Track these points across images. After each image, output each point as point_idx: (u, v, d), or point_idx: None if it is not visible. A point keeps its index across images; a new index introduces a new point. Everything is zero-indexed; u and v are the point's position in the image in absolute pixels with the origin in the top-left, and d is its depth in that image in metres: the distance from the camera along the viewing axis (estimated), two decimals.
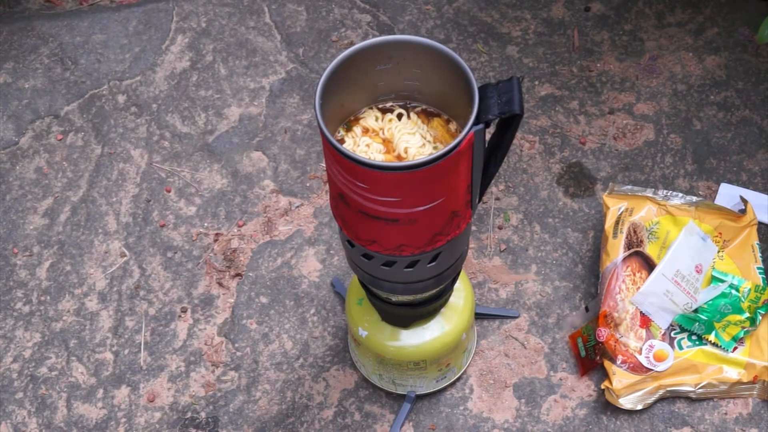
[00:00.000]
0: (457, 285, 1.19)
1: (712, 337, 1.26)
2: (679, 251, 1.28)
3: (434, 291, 1.10)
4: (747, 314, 1.27)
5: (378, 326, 1.19)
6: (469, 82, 0.88)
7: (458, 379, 1.31)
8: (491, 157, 0.94)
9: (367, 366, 1.26)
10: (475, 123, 0.87)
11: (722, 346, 1.26)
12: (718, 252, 1.33)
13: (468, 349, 1.28)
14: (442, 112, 0.97)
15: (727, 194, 1.43)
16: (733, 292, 1.28)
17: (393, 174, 0.86)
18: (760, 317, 1.27)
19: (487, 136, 0.94)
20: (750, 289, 1.28)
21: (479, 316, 1.35)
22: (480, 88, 0.87)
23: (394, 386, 1.27)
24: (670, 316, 1.27)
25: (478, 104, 0.86)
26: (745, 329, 1.26)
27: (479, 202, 0.99)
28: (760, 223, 1.39)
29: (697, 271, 1.28)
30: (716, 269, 1.30)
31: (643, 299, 1.26)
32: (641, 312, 1.27)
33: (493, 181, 1.46)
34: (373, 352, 1.21)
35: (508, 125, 0.91)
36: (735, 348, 1.26)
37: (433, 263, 1.00)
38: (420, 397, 1.30)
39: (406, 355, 1.20)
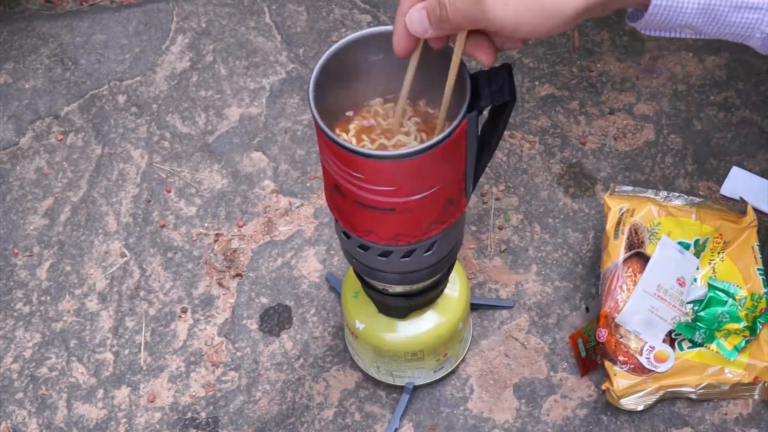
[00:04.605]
0: (452, 275, 1.19)
1: (713, 347, 1.26)
2: (657, 266, 1.28)
3: (430, 281, 1.10)
4: (745, 323, 1.27)
5: (374, 318, 1.20)
6: (461, 70, 0.88)
7: (458, 378, 1.31)
8: (484, 144, 0.95)
9: (365, 359, 1.27)
10: (468, 110, 0.87)
11: (725, 356, 1.26)
12: (719, 253, 1.33)
13: (464, 338, 1.29)
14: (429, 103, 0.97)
15: (737, 179, 1.44)
16: (730, 300, 1.28)
17: (388, 162, 0.86)
18: (761, 327, 1.27)
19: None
20: (746, 298, 1.28)
21: (474, 307, 1.35)
22: (471, 76, 0.88)
23: (392, 378, 1.27)
24: (661, 332, 1.26)
25: (471, 91, 0.87)
26: (747, 338, 1.26)
27: (473, 190, 0.99)
28: (763, 217, 1.39)
29: (680, 284, 1.28)
30: (712, 278, 1.30)
31: (629, 318, 1.26)
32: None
33: (493, 182, 1.47)
34: (370, 344, 1.21)
35: (501, 112, 0.92)
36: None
37: (429, 252, 1.00)
38: (420, 398, 1.30)
39: (404, 346, 1.20)
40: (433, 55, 0.87)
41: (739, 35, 0.77)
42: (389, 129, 0.97)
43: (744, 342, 1.26)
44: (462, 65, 0.88)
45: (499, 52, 0.83)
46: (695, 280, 1.31)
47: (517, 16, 0.75)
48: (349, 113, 0.98)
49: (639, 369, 1.25)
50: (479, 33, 0.81)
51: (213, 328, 1.37)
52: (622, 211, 1.33)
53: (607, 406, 1.29)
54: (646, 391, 1.26)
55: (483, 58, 0.82)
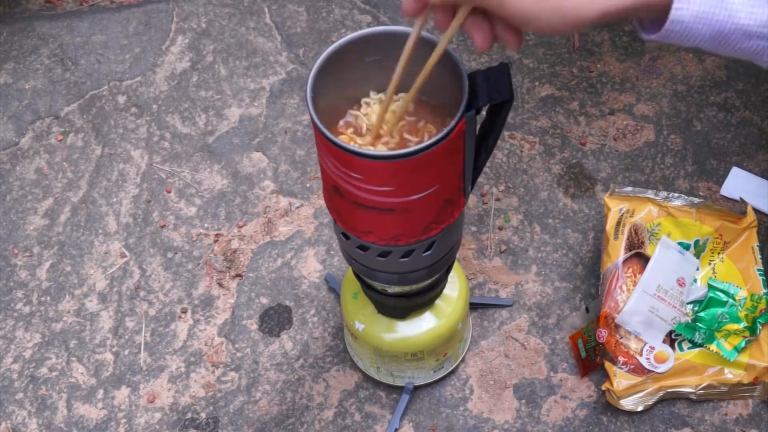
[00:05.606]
0: (451, 275, 1.20)
1: (713, 347, 1.26)
2: (657, 266, 1.28)
3: (429, 281, 1.10)
4: (744, 323, 1.27)
5: (374, 319, 1.20)
6: (458, 69, 0.88)
7: (458, 379, 1.31)
8: (482, 143, 0.95)
9: (365, 359, 1.27)
10: (467, 109, 0.87)
11: (725, 356, 1.26)
12: (719, 254, 1.33)
13: (464, 338, 1.29)
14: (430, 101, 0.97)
15: (737, 179, 1.44)
16: (730, 301, 1.28)
17: (387, 163, 0.87)
18: (760, 327, 1.27)
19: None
20: (746, 298, 1.28)
21: (474, 306, 1.35)
22: (469, 75, 0.88)
23: (392, 378, 1.27)
24: (661, 332, 1.26)
25: (468, 91, 0.87)
26: (747, 339, 1.26)
27: (471, 190, 1.00)
28: (763, 218, 1.39)
29: (680, 285, 1.28)
30: (712, 278, 1.30)
31: (629, 318, 1.26)
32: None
33: (493, 183, 1.46)
34: (370, 344, 1.21)
35: (499, 111, 0.92)
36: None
37: (428, 252, 1.00)
38: (420, 398, 1.30)
39: (404, 346, 1.20)
40: (429, 53, 0.87)
41: (748, 57, 0.79)
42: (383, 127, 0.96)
43: (744, 342, 1.26)
44: (459, 63, 0.88)
45: (500, 58, 0.83)
46: (695, 280, 1.31)
47: (535, 10, 0.74)
48: (347, 116, 0.98)
49: (639, 369, 1.25)
50: (482, 15, 0.79)
51: (213, 329, 1.37)
52: (622, 212, 1.33)
53: (607, 406, 1.29)
54: (646, 391, 1.26)
55: (479, 41, 0.80)
